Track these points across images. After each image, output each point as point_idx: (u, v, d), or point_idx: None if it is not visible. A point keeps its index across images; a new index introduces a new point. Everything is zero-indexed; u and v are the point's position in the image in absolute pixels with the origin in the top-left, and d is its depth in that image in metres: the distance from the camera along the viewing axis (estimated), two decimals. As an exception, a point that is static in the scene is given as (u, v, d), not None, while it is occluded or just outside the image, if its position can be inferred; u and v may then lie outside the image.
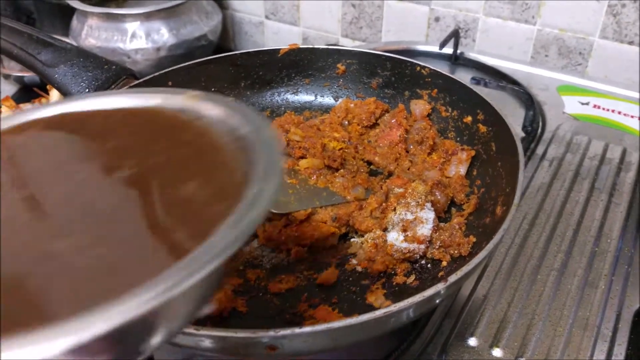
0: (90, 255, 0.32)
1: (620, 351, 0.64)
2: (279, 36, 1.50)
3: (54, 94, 1.19)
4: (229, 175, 0.37)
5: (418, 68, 0.81)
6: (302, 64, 0.88)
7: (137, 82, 0.81)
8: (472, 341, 0.65)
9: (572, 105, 1.05)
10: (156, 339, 0.32)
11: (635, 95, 1.06)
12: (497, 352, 0.64)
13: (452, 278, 0.50)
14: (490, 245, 0.52)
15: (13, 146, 0.43)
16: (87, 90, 0.81)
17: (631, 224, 0.80)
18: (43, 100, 1.23)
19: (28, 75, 1.35)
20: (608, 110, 1.03)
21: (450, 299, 0.70)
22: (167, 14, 1.31)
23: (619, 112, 1.02)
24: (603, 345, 0.64)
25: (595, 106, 1.04)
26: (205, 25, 1.37)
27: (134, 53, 1.31)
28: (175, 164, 0.40)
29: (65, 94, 0.82)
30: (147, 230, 0.34)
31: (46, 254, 0.33)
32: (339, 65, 0.87)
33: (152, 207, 0.36)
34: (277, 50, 0.87)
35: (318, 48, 0.88)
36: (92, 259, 0.32)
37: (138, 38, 1.31)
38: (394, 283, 0.62)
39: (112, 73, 0.83)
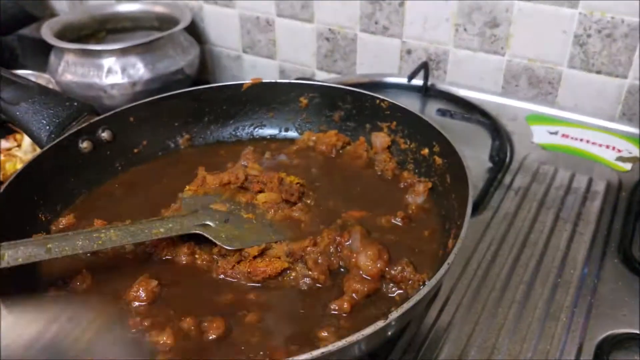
0: None
1: (580, 386, 0.63)
2: (256, 69, 1.52)
3: (27, 130, 1.19)
4: None
5: (378, 101, 0.82)
6: (266, 98, 0.89)
7: (97, 118, 0.81)
8: (430, 378, 0.64)
9: (541, 134, 1.05)
10: None
11: (604, 124, 1.07)
12: (453, 388, 0.62)
13: (394, 315, 0.49)
14: (432, 282, 0.52)
15: None
16: (47, 127, 0.81)
17: (595, 254, 0.79)
18: (17, 136, 1.23)
19: (4, 111, 1.35)
20: (576, 139, 1.03)
21: (412, 332, 0.69)
22: (143, 49, 1.32)
23: (587, 141, 1.02)
24: (562, 380, 0.63)
25: (563, 135, 1.04)
26: (181, 59, 1.39)
27: (110, 88, 1.32)
28: None
29: (26, 131, 0.82)
30: None
31: None
32: (301, 99, 0.88)
33: None
34: (240, 85, 0.88)
35: (281, 82, 0.88)
36: None
37: (114, 73, 1.32)
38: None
39: (73, 110, 0.83)
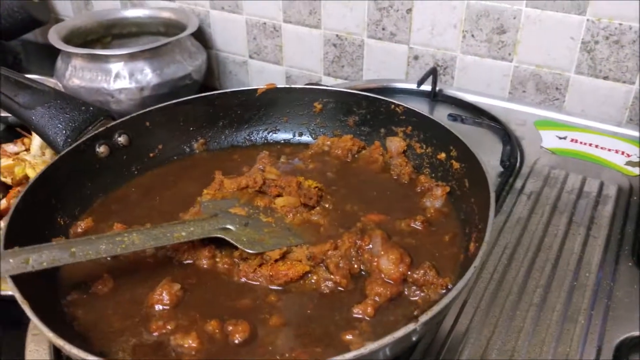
0: None
1: (600, 388, 0.63)
2: (262, 75, 1.52)
3: (35, 135, 1.19)
4: None
5: (393, 106, 0.82)
6: (280, 103, 0.89)
7: (114, 122, 0.81)
8: (451, 380, 0.64)
9: (550, 139, 1.06)
10: None
11: (612, 129, 1.08)
12: (476, 391, 0.63)
13: (423, 318, 0.49)
14: (460, 284, 0.52)
15: None
16: (63, 131, 0.81)
17: (609, 257, 0.80)
18: (26, 140, 1.23)
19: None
20: (585, 144, 1.04)
21: (430, 336, 0.69)
22: (150, 54, 1.33)
23: (596, 146, 1.03)
24: (583, 382, 0.64)
25: (572, 140, 1.05)
26: (189, 64, 1.39)
27: (117, 93, 1.32)
28: None
29: (42, 135, 0.82)
30: None
31: None
32: (315, 104, 0.88)
33: None
34: (254, 90, 0.88)
35: (295, 87, 0.89)
36: None
37: (122, 78, 1.32)
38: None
39: (89, 115, 0.83)
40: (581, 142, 1.05)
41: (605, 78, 1.11)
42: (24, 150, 1.22)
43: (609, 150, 1.02)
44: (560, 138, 1.06)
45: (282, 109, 0.90)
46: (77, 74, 1.34)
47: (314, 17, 1.35)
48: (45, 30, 1.81)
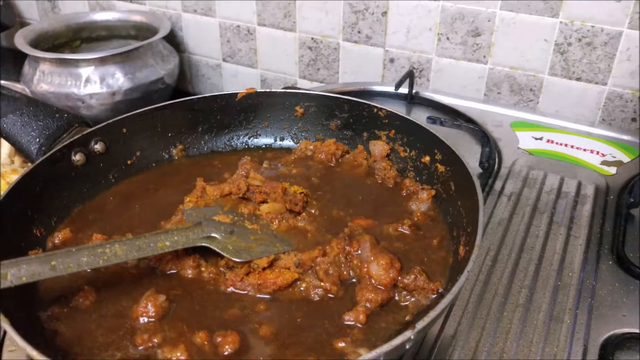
0: None
1: (588, 386, 0.64)
2: (237, 78, 1.51)
3: (4, 141, 1.15)
4: None
5: (375, 110, 0.82)
6: (260, 107, 0.88)
7: (90, 129, 0.79)
8: (442, 384, 0.64)
9: (527, 140, 1.07)
10: None
11: (586, 129, 1.10)
12: (467, 394, 0.63)
13: (420, 324, 0.49)
14: (455, 289, 0.52)
15: None
16: (37, 139, 0.79)
17: (591, 256, 0.81)
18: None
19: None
20: (561, 144, 1.06)
21: (419, 342, 0.69)
22: (122, 58, 1.30)
23: (572, 146, 1.05)
24: (572, 381, 0.64)
25: (548, 141, 1.07)
26: (161, 68, 1.36)
27: (88, 98, 1.29)
28: None
29: (15, 144, 0.79)
30: None
31: None
32: (297, 108, 0.88)
33: None
34: (234, 95, 0.87)
35: (276, 91, 0.87)
36: None
37: (92, 83, 1.29)
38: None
39: (64, 122, 0.81)
40: (557, 143, 1.06)
41: (578, 79, 1.13)
42: (-9, 159, 1.18)
43: (584, 150, 1.04)
44: (536, 139, 1.08)
45: (263, 113, 0.88)
46: (46, 79, 1.30)
47: (288, 20, 1.34)
48: (9, 34, 1.76)
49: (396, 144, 0.81)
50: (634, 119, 1.12)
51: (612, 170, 0.99)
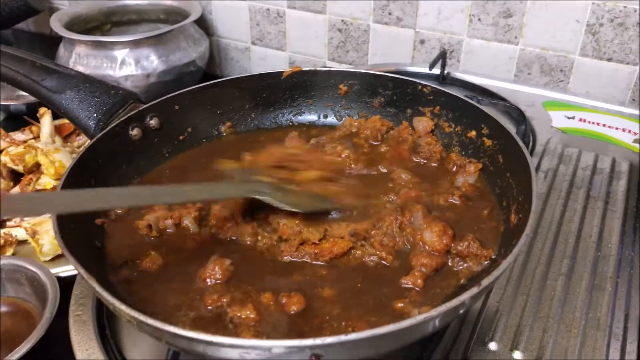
0: None
1: (632, 349, 0.67)
2: (265, 61, 1.53)
3: (46, 121, 1.18)
4: None
5: (420, 87, 0.84)
6: (305, 85, 0.91)
7: (145, 105, 0.82)
8: (493, 345, 0.67)
9: (559, 119, 1.10)
10: None
11: (617, 108, 1.12)
12: (517, 354, 0.66)
13: (485, 282, 0.52)
14: (516, 250, 0.55)
15: None
16: (95, 115, 0.82)
17: (628, 229, 0.83)
18: (33, 128, 1.22)
19: (14, 103, 1.33)
20: (593, 123, 1.08)
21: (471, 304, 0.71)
22: (155, 41, 1.32)
23: (604, 125, 1.07)
24: (616, 344, 0.67)
25: (580, 120, 1.09)
26: (193, 51, 1.39)
27: (123, 80, 1.31)
28: None
29: (73, 119, 0.82)
30: None
31: None
32: (341, 86, 0.90)
33: None
34: (280, 73, 0.89)
35: (320, 70, 0.90)
36: None
37: (127, 65, 1.32)
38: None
39: (119, 98, 0.84)
40: (589, 122, 1.09)
41: (609, 60, 1.15)
42: (32, 139, 1.21)
43: (616, 129, 1.06)
44: (568, 118, 1.10)
45: (307, 91, 0.91)
46: (82, 61, 1.33)
47: (319, 2, 1.36)
48: (37, 19, 1.79)
49: (441, 120, 0.84)
50: (664, 99, 1.14)
51: (645, 148, 1.01)
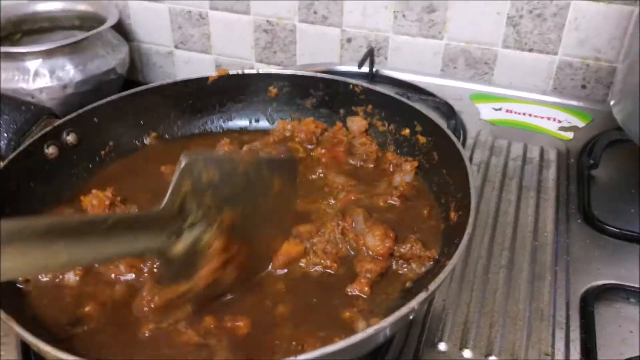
0: None
1: (575, 336, 0.68)
2: (190, 65, 1.48)
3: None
4: None
5: (351, 86, 0.83)
6: (233, 89, 0.87)
7: (60, 121, 0.76)
8: (442, 346, 0.66)
9: (487, 111, 1.11)
10: None
11: (540, 97, 1.15)
12: (467, 353, 0.65)
13: (432, 286, 0.51)
14: (460, 250, 0.54)
15: None
16: (5, 134, 0.75)
17: (562, 217, 0.85)
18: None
19: None
20: (519, 113, 1.10)
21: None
22: (70, 49, 1.25)
23: (530, 115, 1.10)
24: (561, 333, 0.68)
25: (507, 111, 1.11)
26: (112, 58, 1.32)
27: (38, 92, 1.23)
28: None
29: (-20, 140, 0.75)
30: None
31: None
32: (270, 89, 0.87)
33: None
34: (205, 78, 0.86)
35: (248, 73, 0.87)
36: None
37: (42, 76, 1.23)
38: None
39: (31, 114, 0.77)
40: (515, 112, 1.11)
41: (530, 50, 1.18)
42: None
43: (541, 117, 1.09)
44: (495, 109, 1.12)
45: (236, 95, 0.88)
46: (-10, 75, 1.23)
47: (242, 3, 1.33)
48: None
49: (374, 119, 0.83)
50: (583, 86, 1.18)
51: (570, 135, 1.04)
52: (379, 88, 1.00)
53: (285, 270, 0.64)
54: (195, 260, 0.55)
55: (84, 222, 0.48)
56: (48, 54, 1.23)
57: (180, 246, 0.54)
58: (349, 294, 0.61)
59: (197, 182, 0.54)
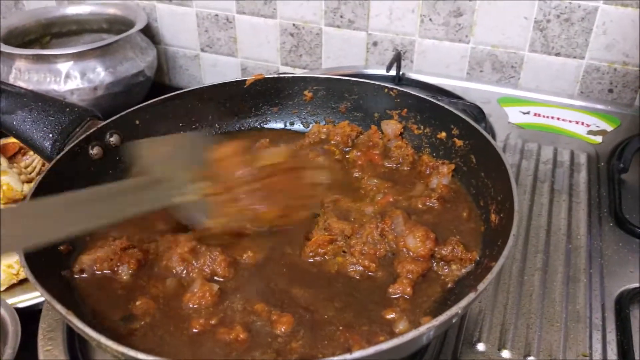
0: None
1: (612, 338, 0.69)
2: (216, 68, 1.50)
3: None
4: None
5: (386, 90, 0.84)
6: (269, 93, 0.89)
7: (104, 122, 0.78)
8: (481, 346, 0.67)
9: (515, 115, 1.12)
10: None
11: (567, 101, 1.15)
12: (506, 353, 0.66)
13: (482, 286, 0.52)
14: (506, 251, 0.55)
15: None
16: (50, 135, 0.77)
17: (594, 220, 0.86)
18: (10, 140, 1.14)
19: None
20: (548, 117, 1.11)
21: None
22: (101, 52, 1.27)
23: (558, 118, 1.10)
24: (597, 335, 0.69)
25: (535, 114, 1.12)
26: (141, 61, 1.34)
27: (69, 94, 1.25)
28: None
29: (27, 141, 0.77)
30: None
31: None
32: (305, 92, 0.89)
33: None
34: (242, 82, 0.87)
35: (283, 77, 0.88)
36: None
37: (73, 78, 1.26)
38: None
39: (76, 116, 0.79)
40: (543, 116, 1.11)
41: (557, 54, 1.19)
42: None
43: (570, 121, 1.09)
44: (524, 113, 1.13)
45: (272, 99, 0.89)
46: (23, 77, 1.26)
47: (269, 6, 1.34)
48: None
49: (409, 122, 0.84)
50: (610, 90, 1.18)
51: (599, 139, 1.05)
52: (415, 92, 1.01)
53: (318, 258, 0.66)
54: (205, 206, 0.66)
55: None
56: (79, 56, 1.25)
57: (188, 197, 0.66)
58: (391, 294, 0.62)
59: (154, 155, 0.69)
